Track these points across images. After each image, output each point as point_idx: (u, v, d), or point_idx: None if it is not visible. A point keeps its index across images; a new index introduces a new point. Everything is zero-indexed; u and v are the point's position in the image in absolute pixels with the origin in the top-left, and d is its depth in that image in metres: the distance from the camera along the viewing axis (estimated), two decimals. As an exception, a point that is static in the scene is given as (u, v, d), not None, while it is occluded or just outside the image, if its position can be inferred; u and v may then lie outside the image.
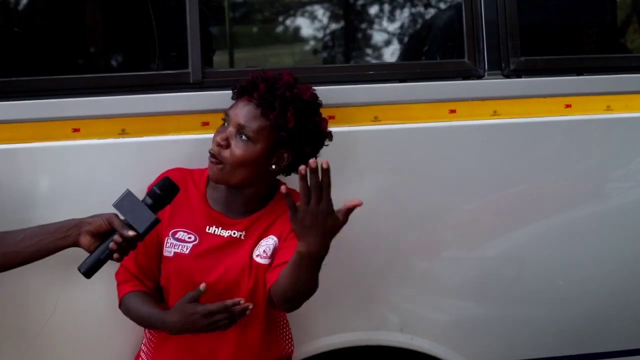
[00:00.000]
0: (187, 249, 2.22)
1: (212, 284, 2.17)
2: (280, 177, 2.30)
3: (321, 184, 1.89)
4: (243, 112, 2.17)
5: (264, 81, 2.19)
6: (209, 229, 2.24)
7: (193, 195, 2.27)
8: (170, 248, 2.23)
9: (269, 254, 2.20)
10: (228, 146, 2.16)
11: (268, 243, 2.22)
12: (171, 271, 2.23)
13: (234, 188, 2.23)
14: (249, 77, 2.23)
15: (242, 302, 2.06)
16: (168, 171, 2.27)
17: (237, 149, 2.16)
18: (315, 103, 2.24)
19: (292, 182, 2.39)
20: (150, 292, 2.28)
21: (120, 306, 2.28)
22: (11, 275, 2.14)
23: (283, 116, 2.15)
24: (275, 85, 2.18)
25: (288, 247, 2.14)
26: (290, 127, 2.16)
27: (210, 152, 2.19)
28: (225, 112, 2.22)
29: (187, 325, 2.09)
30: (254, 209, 2.26)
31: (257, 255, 2.20)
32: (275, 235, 2.22)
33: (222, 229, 2.24)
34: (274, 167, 2.21)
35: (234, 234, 2.23)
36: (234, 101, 2.24)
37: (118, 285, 2.28)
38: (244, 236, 2.23)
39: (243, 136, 2.16)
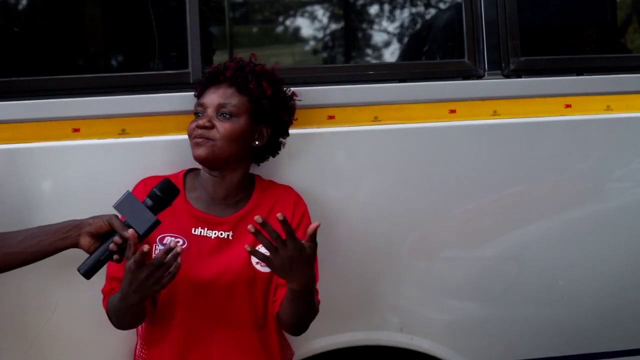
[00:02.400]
0: None
1: (209, 288, 2.18)
2: (253, 169, 2.33)
3: (279, 233, 1.97)
4: (218, 94, 2.24)
5: (232, 63, 2.29)
6: (194, 231, 2.24)
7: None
8: None
9: None
10: (213, 126, 2.20)
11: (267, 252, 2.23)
12: None
13: (218, 173, 2.24)
14: (210, 69, 2.32)
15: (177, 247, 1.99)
16: (142, 181, 2.28)
17: (223, 125, 2.21)
18: (277, 75, 2.32)
19: (296, 181, 2.40)
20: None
21: (108, 317, 2.21)
22: (11, 276, 2.14)
23: (260, 86, 2.24)
24: (242, 64, 2.28)
25: None
26: (269, 94, 2.25)
27: (195, 138, 2.20)
28: (197, 104, 2.26)
29: (131, 285, 2.01)
30: (237, 200, 2.28)
31: (257, 263, 2.21)
32: None
33: (207, 230, 2.24)
34: (257, 142, 2.27)
35: (221, 234, 2.24)
36: (196, 98, 2.30)
37: (103, 298, 2.23)
38: (232, 236, 2.24)
39: (225, 114, 2.22)
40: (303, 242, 2.00)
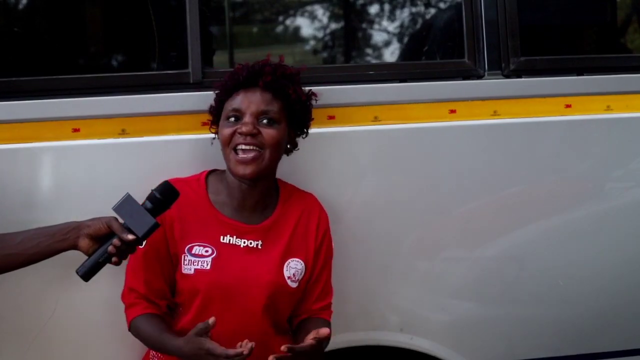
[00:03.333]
0: (207, 264, 2.20)
1: (238, 296, 2.19)
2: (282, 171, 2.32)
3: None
4: (257, 100, 2.20)
5: (267, 67, 2.23)
6: (223, 239, 2.22)
7: (197, 204, 2.25)
8: (189, 265, 2.20)
9: (297, 277, 2.26)
10: (259, 133, 2.17)
11: (297, 267, 2.26)
12: (195, 289, 2.21)
13: (251, 182, 2.21)
14: (239, 71, 2.24)
15: (245, 350, 2.01)
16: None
17: (268, 132, 2.18)
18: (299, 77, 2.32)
19: (297, 182, 2.40)
20: (161, 313, 2.25)
21: (129, 329, 2.24)
22: (11, 276, 2.14)
23: (296, 92, 2.23)
24: (276, 68, 2.24)
25: (315, 282, 2.31)
26: (304, 99, 2.25)
27: (237, 147, 2.16)
28: (231, 109, 2.21)
29: (196, 357, 2.05)
30: (264, 206, 2.27)
31: (288, 278, 2.24)
32: (302, 260, 2.27)
33: (237, 238, 2.23)
34: (288, 146, 2.28)
35: (251, 243, 2.24)
36: (220, 99, 2.27)
37: (126, 308, 2.25)
38: (261, 245, 2.24)
39: (266, 120, 2.19)
40: (310, 344, 2.04)
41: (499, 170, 2.59)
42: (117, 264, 2.02)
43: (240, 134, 2.16)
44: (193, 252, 2.21)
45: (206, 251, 2.21)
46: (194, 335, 2.04)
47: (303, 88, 2.29)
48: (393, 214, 2.54)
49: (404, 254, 2.58)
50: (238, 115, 2.20)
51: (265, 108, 2.19)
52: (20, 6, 3.43)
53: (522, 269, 2.67)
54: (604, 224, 2.70)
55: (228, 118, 2.21)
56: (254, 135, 2.16)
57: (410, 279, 2.61)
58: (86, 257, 2.03)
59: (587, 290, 2.72)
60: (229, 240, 2.22)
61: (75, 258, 2.05)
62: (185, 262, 2.21)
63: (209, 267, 2.19)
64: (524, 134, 2.60)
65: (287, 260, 2.25)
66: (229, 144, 2.18)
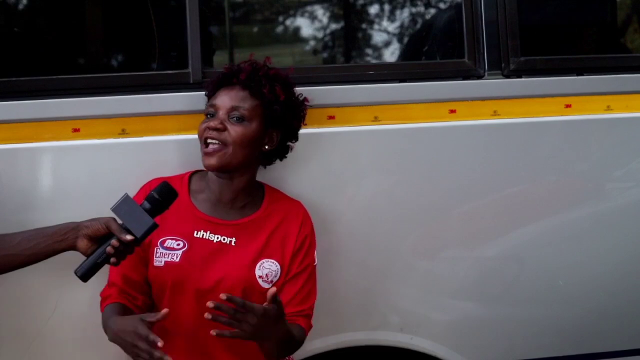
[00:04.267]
0: (177, 256, 2.21)
1: (206, 291, 2.18)
2: (259, 175, 2.33)
3: (235, 309, 1.99)
4: (231, 96, 2.23)
5: (247, 65, 2.27)
6: (197, 234, 2.24)
7: (178, 201, 2.22)
8: (161, 257, 2.22)
9: (270, 279, 2.24)
10: (225, 129, 2.20)
11: (271, 268, 2.25)
12: (164, 281, 2.21)
13: (227, 177, 2.24)
14: (224, 70, 2.29)
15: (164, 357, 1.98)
16: (148, 183, 2.28)
17: (235, 129, 2.20)
18: (290, 79, 2.31)
19: (297, 182, 2.40)
20: (133, 306, 2.22)
21: (102, 322, 2.21)
22: (11, 277, 2.14)
23: (273, 91, 2.23)
24: (257, 67, 2.26)
25: (290, 286, 2.26)
26: (282, 99, 2.24)
27: (206, 140, 2.20)
28: (209, 104, 2.25)
29: (118, 336, 2.06)
30: (243, 205, 2.28)
31: (260, 277, 2.22)
32: (277, 261, 2.25)
33: (210, 233, 2.24)
34: (267, 147, 2.26)
35: (224, 239, 2.24)
36: (207, 97, 2.30)
37: (101, 302, 2.24)
38: (235, 242, 2.24)
39: (236, 118, 2.21)
40: (264, 306, 2.01)
41: (499, 170, 2.59)
42: (116, 264, 2.02)
43: (207, 128, 2.21)
44: (165, 245, 2.22)
45: (177, 244, 2.22)
46: (138, 318, 2.03)
47: (293, 90, 2.29)
48: (393, 214, 2.54)
49: (404, 254, 2.58)
50: (213, 112, 2.24)
51: (236, 104, 2.21)
52: (20, 6, 3.43)
53: (522, 269, 2.67)
54: (604, 224, 2.70)
55: (206, 114, 2.26)
56: (218, 130, 2.19)
57: (410, 279, 2.61)
58: (85, 258, 2.03)
59: (587, 290, 2.72)
60: (202, 235, 2.24)
61: (77, 257, 2.04)
62: (157, 255, 2.21)
63: (178, 260, 2.20)
64: (524, 134, 2.60)
65: (261, 260, 2.24)
66: (202, 138, 2.23)
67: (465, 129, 2.55)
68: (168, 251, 2.22)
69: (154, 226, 2.01)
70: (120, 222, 2.02)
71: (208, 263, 2.21)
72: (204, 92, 2.33)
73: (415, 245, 2.59)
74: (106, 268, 2.06)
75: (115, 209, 2.02)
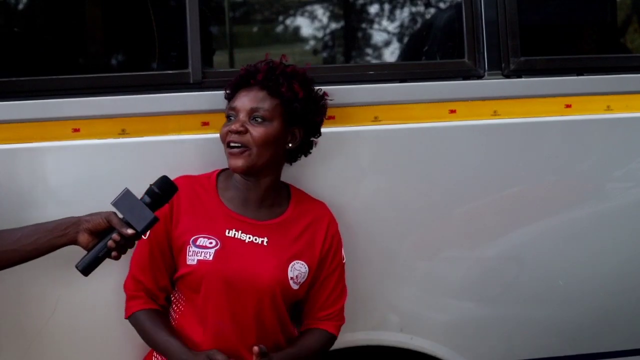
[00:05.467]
0: (210, 255, 2.22)
1: (240, 290, 2.21)
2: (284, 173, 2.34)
3: None
4: (249, 98, 2.23)
5: (263, 65, 2.27)
6: (228, 232, 2.24)
7: (206, 200, 2.28)
8: (193, 256, 2.22)
9: (299, 280, 2.27)
10: (246, 131, 2.20)
11: (301, 270, 2.27)
12: (197, 279, 2.22)
13: (253, 178, 2.25)
14: (241, 71, 2.30)
15: None
16: (175, 179, 2.27)
17: (257, 130, 2.21)
18: (308, 75, 2.32)
19: (297, 182, 2.40)
20: (160, 307, 2.28)
21: (128, 318, 2.28)
22: (12, 275, 2.14)
23: (292, 89, 2.23)
24: (274, 66, 2.27)
25: (322, 289, 2.34)
26: (301, 97, 2.24)
27: (229, 144, 2.21)
28: (229, 107, 2.26)
29: None
30: (271, 203, 2.29)
31: (291, 279, 2.25)
32: (306, 263, 2.28)
33: (242, 232, 2.25)
34: (290, 145, 2.27)
35: (255, 239, 2.25)
36: (227, 100, 2.30)
37: (128, 299, 2.28)
38: (267, 243, 2.25)
39: (257, 119, 2.22)
40: None
41: (499, 170, 2.59)
42: (117, 258, 2.03)
43: (229, 132, 2.21)
44: (197, 243, 2.23)
45: (210, 243, 2.23)
46: (213, 355, 2.12)
47: (312, 86, 2.30)
48: (393, 214, 2.54)
49: (404, 254, 2.58)
50: (234, 114, 2.25)
51: (256, 106, 2.22)
52: (20, 6, 3.43)
53: (522, 269, 2.67)
54: (604, 224, 2.70)
55: (228, 117, 2.26)
56: (240, 133, 2.20)
57: (410, 279, 2.61)
58: (85, 252, 2.03)
59: (587, 290, 2.72)
60: (234, 234, 2.24)
61: (77, 256, 2.04)
62: (190, 253, 2.22)
63: (211, 258, 2.21)
64: (524, 134, 2.60)
65: (292, 262, 2.26)
66: (225, 141, 2.24)
67: (465, 129, 2.55)
68: (200, 249, 2.22)
69: (155, 220, 2.01)
70: (121, 216, 2.03)
71: (241, 263, 2.22)
72: (223, 95, 2.33)
73: (415, 245, 2.59)
74: (108, 267, 2.06)
75: (115, 203, 2.02)
